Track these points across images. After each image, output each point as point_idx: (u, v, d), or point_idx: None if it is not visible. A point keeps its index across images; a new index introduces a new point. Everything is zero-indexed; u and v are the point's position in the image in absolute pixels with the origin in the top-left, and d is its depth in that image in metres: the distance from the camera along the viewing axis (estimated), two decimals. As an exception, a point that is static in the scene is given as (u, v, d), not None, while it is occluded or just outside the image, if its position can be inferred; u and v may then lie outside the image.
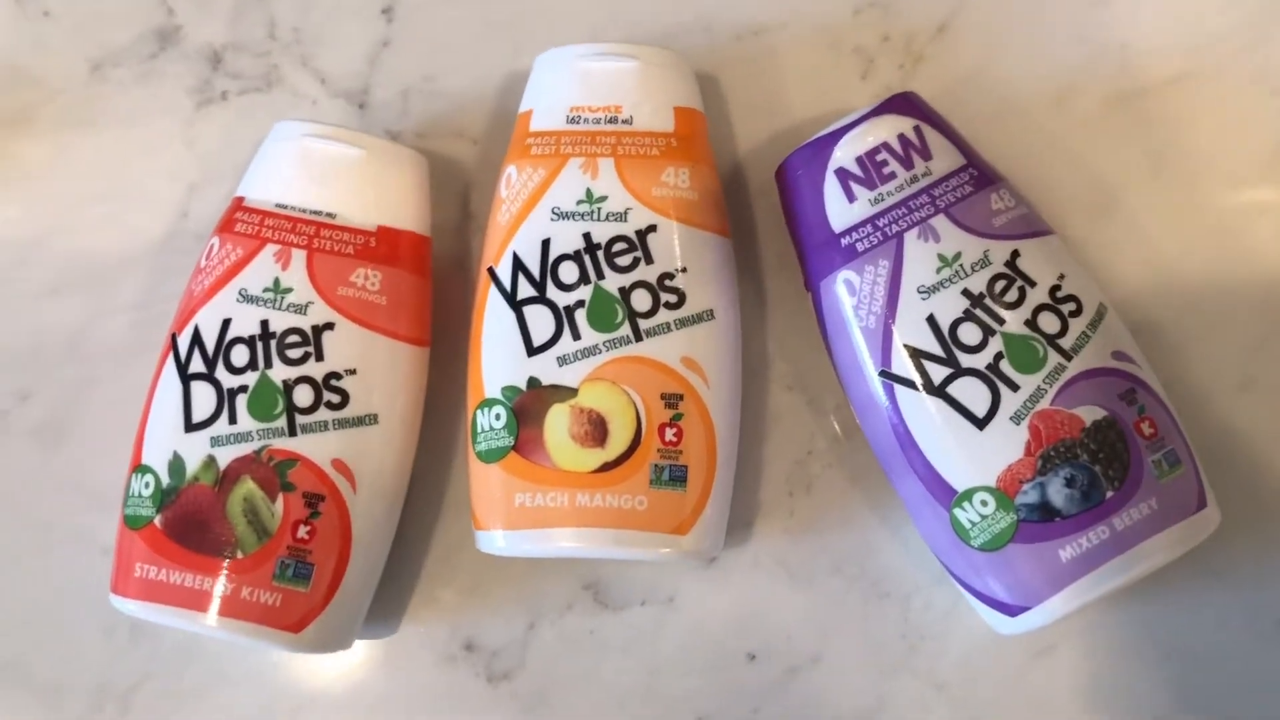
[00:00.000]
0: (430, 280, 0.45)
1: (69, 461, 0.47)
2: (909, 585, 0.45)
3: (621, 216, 0.42)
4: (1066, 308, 0.41)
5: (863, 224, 0.42)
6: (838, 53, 0.48)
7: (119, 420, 0.47)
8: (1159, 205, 0.47)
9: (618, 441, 0.41)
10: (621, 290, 0.41)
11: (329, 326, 0.42)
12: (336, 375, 0.42)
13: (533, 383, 0.41)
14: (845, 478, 0.46)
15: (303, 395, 0.41)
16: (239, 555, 0.41)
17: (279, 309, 0.42)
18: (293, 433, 0.41)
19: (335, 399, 0.42)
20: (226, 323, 0.42)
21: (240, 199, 0.44)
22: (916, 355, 0.41)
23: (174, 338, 0.43)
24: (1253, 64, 0.47)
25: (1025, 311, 0.41)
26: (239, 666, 0.46)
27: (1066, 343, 0.40)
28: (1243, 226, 0.46)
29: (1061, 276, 0.41)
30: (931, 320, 0.41)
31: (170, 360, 0.42)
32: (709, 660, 0.45)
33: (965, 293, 0.41)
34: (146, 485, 0.42)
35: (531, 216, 0.43)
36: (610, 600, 0.46)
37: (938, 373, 0.40)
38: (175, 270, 0.48)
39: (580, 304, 0.42)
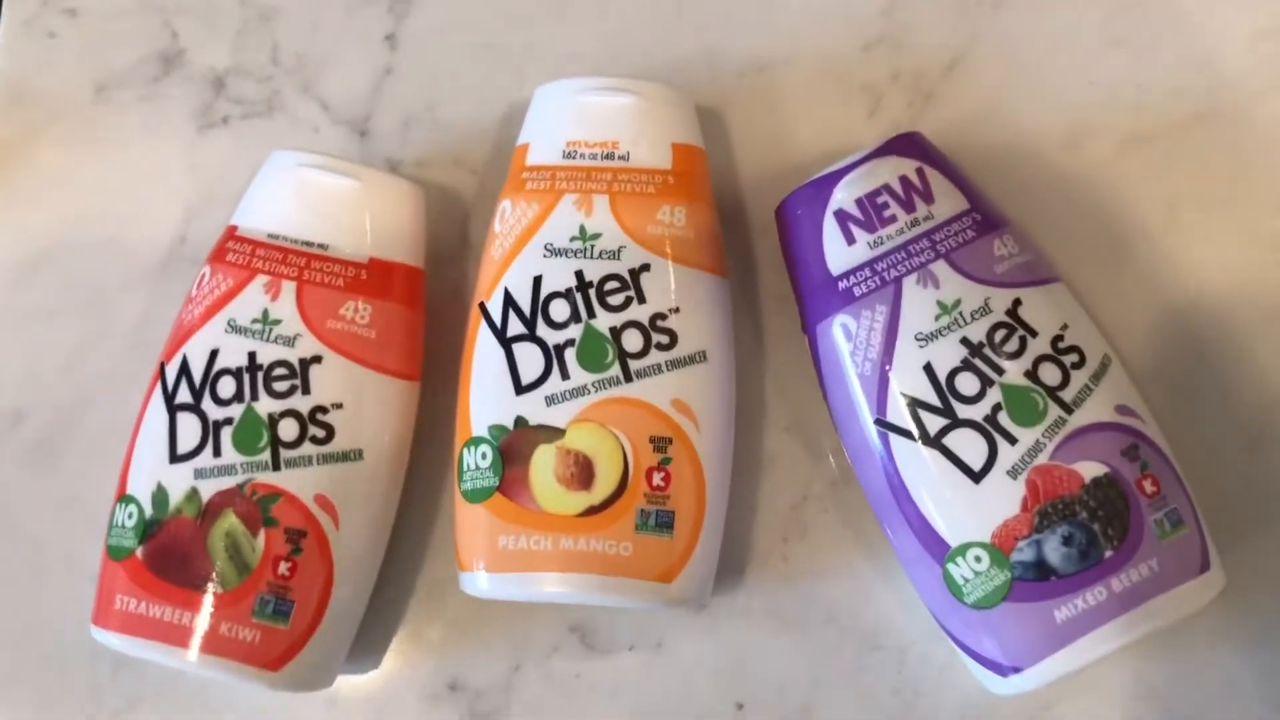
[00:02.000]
0: (423, 313, 0.44)
1: (61, 485, 0.47)
2: (905, 638, 0.44)
3: (615, 254, 0.41)
4: (1069, 359, 0.40)
5: (861, 267, 0.41)
6: (845, 89, 0.47)
7: (112, 445, 0.46)
8: (1173, 251, 0.45)
9: (604, 484, 0.40)
10: (613, 330, 0.41)
11: (317, 360, 0.41)
12: (323, 409, 0.41)
13: (520, 422, 0.41)
14: (842, 523, 0.45)
15: (288, 429, 0.41)
16: (219, 590, 0.40)
17: (267, 341, 0.42)
18: (276, 467, 0.41)
19: (320, 433, 0.41)
20: (214, 353, 0.42)
21: (234, 228, 0.43)
22: (913, 404, 0.40)
23: (162, 367, 0.42)
24: (1272, 106, 0.46)
25: (1025, 362, 0.39)
26: (223, 700, 0.45)
27: (1068, 395, 0.39)
28: (1259, 274, 0.45)
29: (1064, 326, 0.40)
30: (929, 369, 0.40)
31: (158, 389, 0.42)
32: (696, 709, 0.44)
33: (964, 341, 0.40)
34: (130, 515, 0.41)
35: (524, 252, 0.42)
36: (597, 644, 0.45)
37: (934, 423, 0.39)
38: (172, 295, 0.47)
39: (570, 343, 0.41)
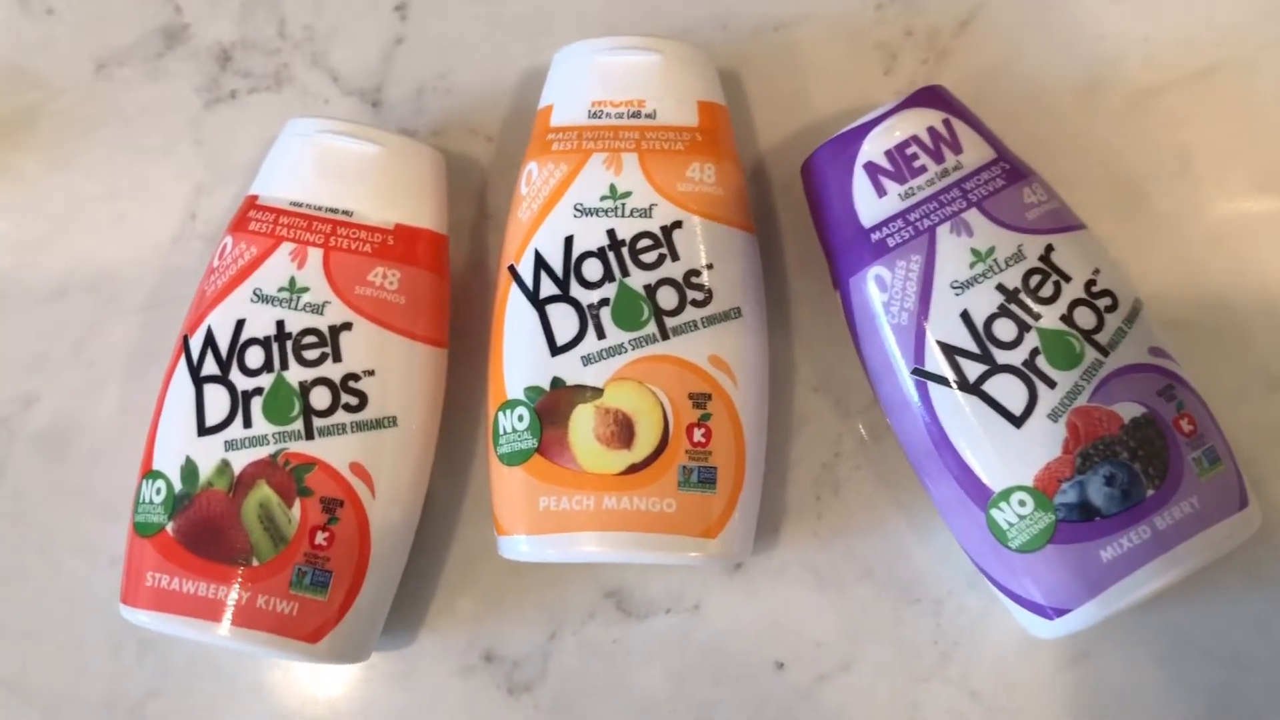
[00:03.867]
0: (448, 279, 0.44)
1: (75, 469, 0.46)
2: (941, 590, 0.44)
3: (646, 212, 0.41)
4: (1102, 302, 0.40)
5: (893, 219, 0.41)
6: (859, 48, 0.47)
7: (127, 427, 0.46)
8: (1186, 201, 0.46)
9: (645, 442, 0.40)
10: (647, 288, 0.40)
11: (346, 327, 0.41)
12: (354, 376, 0.41)
13: (556, 383, 0.40)
14: (874, 479, 0.45)
15: (320, 397, 0.40)
16: (254, 563, 0.39)
17: (295, 309, 0.41)
18: (310, 436, 0.40)
19: (353, 401, 0.40)
20: (240, 323, 0.41)
21: (254, 197, 0.43)
22: (950, 352, 0.40)
23: (186, 339, 0.41)
24: (1275, 56, 0.47)
25: (1061, 306, 0.40)
26: (250, 679, 0.45)
27: (1103, 338, 0.40)
28: (1272, 222, 0.46)
29: (1096, 271, 0.41)
30: (965, 316, 0.40)
31: (182, 362, 0.41)
32: (736, 669, 0.44)
33: (1000, 288, 0.40)
34: (158, 491, 0.40)
35: (554, 213, 0.41)
36: (634, 608, 0.44)
37: (973, 370, 0.40)
38: (184, 272, 0.47)
39: (605, 302, 0.40)
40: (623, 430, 0.40)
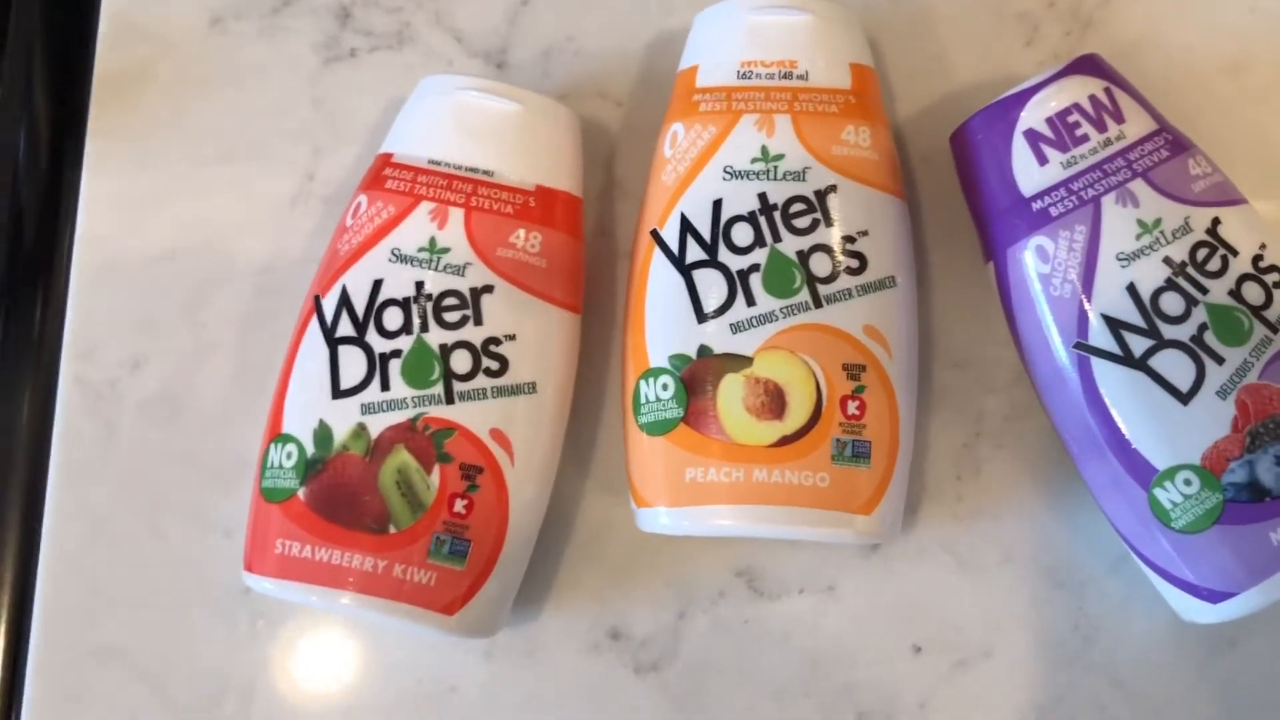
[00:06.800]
0: (583, 244, 0.42)
1: (185, 435, 0.45)
2: (1084, 574, 0.42)
3: (799, 176, 0.40)
4: (1270, 278, 0.39)
5: (1055, 188, 0.39)
6: (1000, 17, 0.46)
7: (241, 391, 0.45)
8: (1337, 180, 0.45)
9: (797, 414, 0.38)
10: (800, 254, 0.39)
11: (488, 289, 0.39)
12: (495, 341, 0.39)
13: (703, 351, 0.39)
14: (1017, 460, 0.43)
15: (460, 361, 0.39)
16: (391, 530, 0.38)
17: (436, 270, 0.39)
18: (450, 400, 0.39)
19: (494, 365, 0.39)
20: (378, 284, 0.40)
21: (388, 155, 0.41)
22: (1116, 326, 0.38)
23: (317, 300, 0.40)
24: None
25: (1229, 281, 0.38)
26: (366, 654, 0.43)
27: (1271, 314, 0.38)
28: None
29: (1263, 246, 0.39)
30: (1132, 289, 0.38)
31: (314, 323, 0.40)
32: (872, 653, 0.42)
33: (1167, 260, 0.38)
34: (288, 455, 0.39)
35: (701, 176, 0.40)
36: (766, 588, 0.43)
37: (1139, 344, 0.38)
38: (301, 234, 0.45)
39: (755, 268, 0.39)
40: (774, 401, 0.38)
